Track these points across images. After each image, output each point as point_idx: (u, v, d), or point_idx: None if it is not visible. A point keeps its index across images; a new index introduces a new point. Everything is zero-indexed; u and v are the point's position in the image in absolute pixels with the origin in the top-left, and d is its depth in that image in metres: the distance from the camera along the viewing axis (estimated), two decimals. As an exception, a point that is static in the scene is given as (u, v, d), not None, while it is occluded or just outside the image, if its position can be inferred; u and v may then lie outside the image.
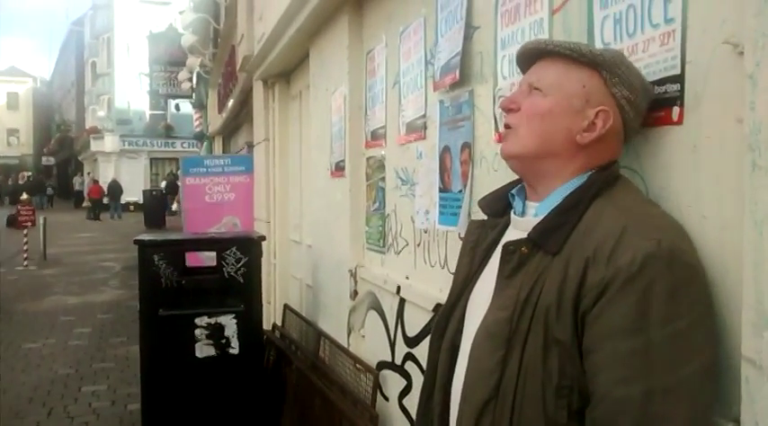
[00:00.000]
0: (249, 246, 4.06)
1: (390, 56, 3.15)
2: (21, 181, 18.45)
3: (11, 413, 5.14)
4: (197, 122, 15.72)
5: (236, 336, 3.97)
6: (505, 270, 1.29)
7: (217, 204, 7.09)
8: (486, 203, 1.50)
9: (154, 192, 25.16)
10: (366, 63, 3.51)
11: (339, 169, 3.78)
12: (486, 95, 2.19)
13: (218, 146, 13.43)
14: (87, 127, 39.71)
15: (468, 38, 2.31)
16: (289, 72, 5.63)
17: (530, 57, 1.37)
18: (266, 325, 5.71)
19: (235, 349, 3.97)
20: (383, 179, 3.21)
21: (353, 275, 3.55)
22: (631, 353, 1.09)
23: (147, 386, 3.95)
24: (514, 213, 1.40)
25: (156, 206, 23.80)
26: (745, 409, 1.15)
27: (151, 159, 37.23)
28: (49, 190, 41.55)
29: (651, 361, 1.08)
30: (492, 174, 2.14)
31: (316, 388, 3.65)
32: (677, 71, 1.36)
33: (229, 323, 3.97)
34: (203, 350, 3.93)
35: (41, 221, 14.79)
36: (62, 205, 39.18)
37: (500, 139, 1.80)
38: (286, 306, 5.13)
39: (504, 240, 1.38)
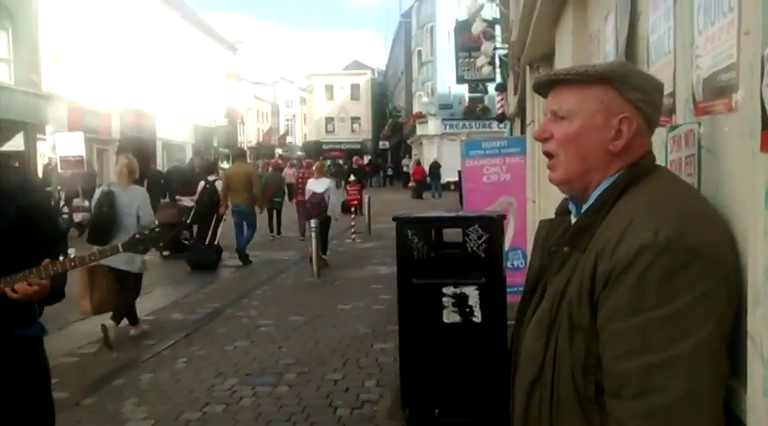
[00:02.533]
0: (490, 224, 4.40)
1: (601, 40, 3.23)
2: (355, 166, 20.97)
3: (317, 360, 6.22)
4: (499, 105, 16.32)
5: (478, 306, 4.36)
6: (553, 269, 1.51)
7: (493, 184, 7.51)
8: (558, 205, 1.69)
9: (467, 172, 26.51)
10: (588, 46, 3.60)
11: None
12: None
13: (516, 128, 13.82)
14: (414, 112, 43.14)
15: (635, 22, 2.38)
16: (551, 55, 5.79)
17: (546, 86, 1.52)
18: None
19: (477, 317, 4.36)
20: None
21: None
22: (630, 332, 1.24)
23: (403, 343, 4.56)
24: (572, 215, 1.58)
25: (470, 185, 25.10)
26: (749, 383, 1.22)
27: (470, 140, 39.14)
28: (389, 171, 47.16)
29: (649, 339, 1.22)
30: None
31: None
32: (733, 59, 1.40)
33: (472, 294, 4.37)
34: (450, 316, 4.40)
35: (366, 200, 16.77)
36: (396, 185, 43.37)
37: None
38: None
39: None
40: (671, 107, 1.91)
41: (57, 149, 17.94)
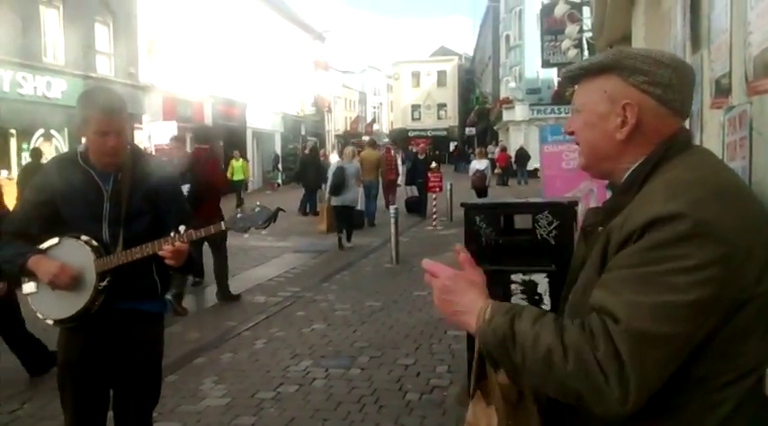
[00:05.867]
0: (561, 211, 4.32)
1: (672, 19, 3.10)
2: (421, 154, 19.97)
3: (391, 344, 6.30)
4: (586, 88, 15.83)
5: (547, 294, 4.29)
6: (589, 249, 1.50)
7: (574, 170, 7.32)
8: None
9: (555, 158, 25.91)
10: (661, 26, 3.47)
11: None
12: (706, 60, 2.16)
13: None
14: (501, 98, 42.54)
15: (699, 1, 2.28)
16: (629, 36, 5.59)
17: (572, 82, 1.55)
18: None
19: (546, 305, 4.29)
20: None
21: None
22: (610, 280, 1.27)
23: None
24: None
25: (557, 171, 24.55)
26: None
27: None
28: (471, 158, 46.89)
29: (621, 286, 1.24)
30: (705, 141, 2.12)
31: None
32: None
33: (542, 282, 4.31)
34: (518, 303, 4.35)
35: (448, 186, 16.71)
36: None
37: (712, 105, 1.92)
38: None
39: None
40: (727, 87, 1.83)
41: (151, 138, 18.76)
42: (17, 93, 16.56)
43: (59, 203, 2.79)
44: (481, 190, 17.51)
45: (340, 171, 12.49)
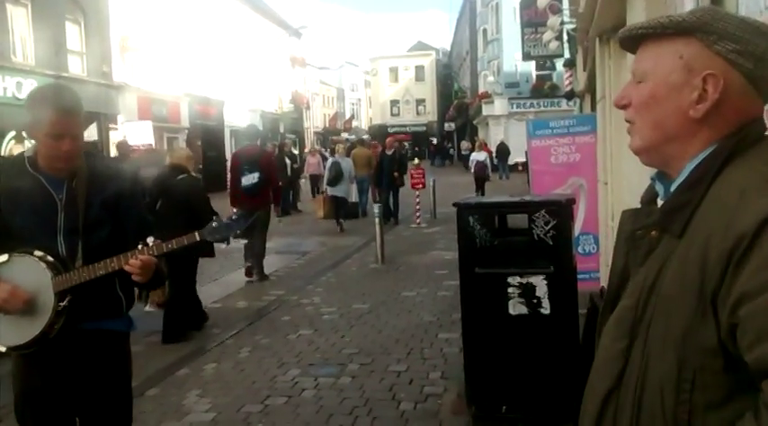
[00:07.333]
0: (558, 209, 4.13)
1: (679, 3, 2.92)
2: (389, 150, 19.40)
3: (380, 349, 6.09)
4: (567, 81, 15.77)
5: (546, 297, 4.10)
6: (637, 258, 1.27)
7: (562, 165, 7.17)
8: (644, 192, 1.43)
9: (535, 152, 25.84)
10: (664, 12, 3.28)
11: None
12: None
13: (587, 105, 13.28)
14: (479, 92, 42.45)
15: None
16: (622, 25, 5.41)
17: (631, 44, 1.27)
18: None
19: (546, 309, 4.11)
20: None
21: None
22: (761, 313, 0.99)
23: (467, 336, 4.35)
24: (660, 197, 1.32)
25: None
26: None
27: (538, 119, 38.20)
28: (451, 152, 47.81)
29: None
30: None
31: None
32: None
33: (540, 284, 4.12)
34: (516, 307, 4.16)
35: (431, 183, 16.51)
36: (459, 167, 42.81)
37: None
38: (614, 269, 5.04)
39: None
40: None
41: (127, 138, 18.34)
42: (-14, 95, 16.09)
43: (6, 214, 2.49)
44: (481, 180, 19.98)
45: (336, 165, 14.61)
